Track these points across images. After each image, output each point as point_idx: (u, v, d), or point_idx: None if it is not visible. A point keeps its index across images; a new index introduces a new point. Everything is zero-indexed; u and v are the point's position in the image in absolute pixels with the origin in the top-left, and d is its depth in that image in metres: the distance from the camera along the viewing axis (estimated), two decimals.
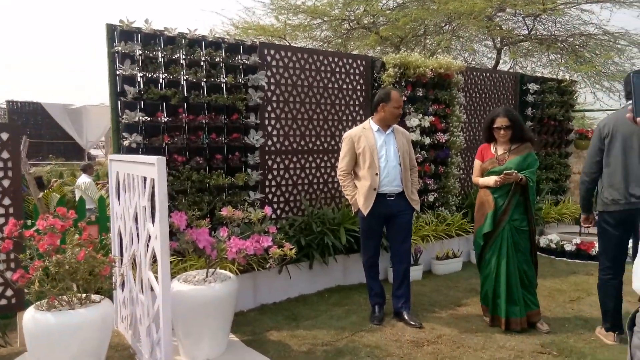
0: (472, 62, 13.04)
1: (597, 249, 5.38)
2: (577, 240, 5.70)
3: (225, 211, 3.68)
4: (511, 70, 12.19)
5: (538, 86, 6.85)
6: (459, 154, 6.05)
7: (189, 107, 4.36)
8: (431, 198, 5.70)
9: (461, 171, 6.10)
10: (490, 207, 3.72)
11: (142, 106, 4.15)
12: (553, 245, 5.83)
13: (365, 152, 3.73)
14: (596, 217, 3.59)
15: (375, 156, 3.72)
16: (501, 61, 12.53)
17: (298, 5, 11.71)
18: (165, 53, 4.20)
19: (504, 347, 3.37)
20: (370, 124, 3.85)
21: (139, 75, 4.12)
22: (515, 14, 11.68)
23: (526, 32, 11.96)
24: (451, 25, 12.03)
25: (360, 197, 3.74)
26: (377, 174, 3.71)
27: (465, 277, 5.13)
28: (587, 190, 3.59)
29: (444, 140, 5.77)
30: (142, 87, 4.15)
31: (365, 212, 3.72)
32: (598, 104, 11.06)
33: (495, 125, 3.73)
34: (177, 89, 4.26)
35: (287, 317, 3.99)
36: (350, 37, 12.90)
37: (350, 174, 3.83)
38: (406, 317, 3.81)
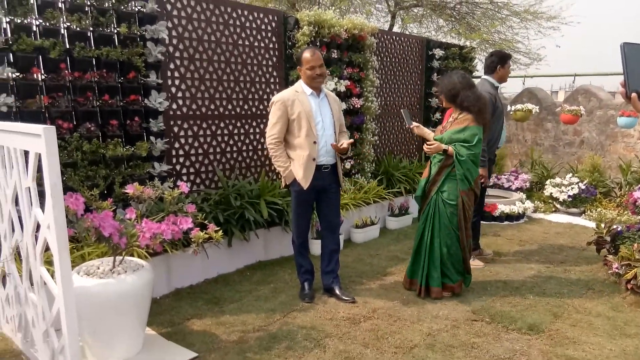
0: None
1: (499, 211, 5.70)
2: None
3: (132, 189, 3.12)
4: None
5: (443, 52, 6.94)
6: (373, 119, 5.93)
7: (73, 62, 3.60)
8: (348, 165, 5.54)
9: (375, 137, 6.01)
10: (425, 174, 3.69)
11: (12, 59, 3.32)
12: None
13: (300, 118, 3.34)
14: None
15: (312, 123, 3.35)
16: (395, 25, 12.71)
17: None
18: None
19: (438, 316, 3.35)
20: (303, 87, 3.45)
21: (4, 20, 3.27)
22: None
23: None
24: None
25: (298, 169, 3.37)
26: (315, 142, 3.37)
27: (384, 244, 5.09)
28: None
29: (359, 106, 5.59)
30: (10, 35, 3.30)
31: (305, 185, 3.37)
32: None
33: None
34: (57, 39, 3.47)
35: (208, 302, 3.58)
36: None
37: (283, 143, 3.43)
38: (338, 292, 3.62)
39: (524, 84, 8.24)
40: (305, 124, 3.35)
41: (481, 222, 5.90)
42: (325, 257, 3.70)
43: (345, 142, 3.45)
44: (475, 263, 4.32)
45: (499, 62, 4.29)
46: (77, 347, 2.36)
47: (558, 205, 6.35)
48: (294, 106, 3.35)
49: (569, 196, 6.14)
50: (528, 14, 11.39)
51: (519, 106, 6.43)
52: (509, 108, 6.74)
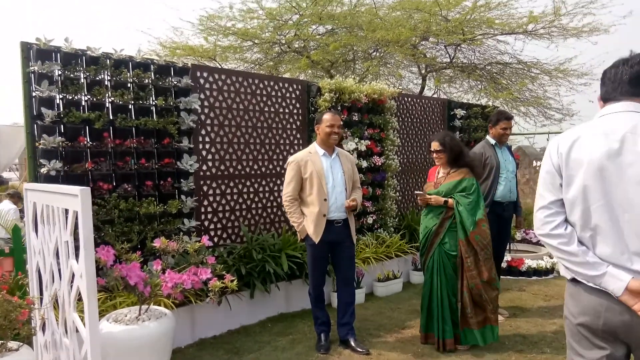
0: (400, 88, 13.54)
1: (527, 266, 5.64)
2: (508, 257, 5.93)
3: (159, 242, 3.42)
4: (435, 95, 12.80)
5: (464, 111, 7.19)
6: (394, 176, 6.14)
7: (115, 131, 4.07)
8: (370, 220, 5.72)
9: (397, 193, 6.19)
10: (423, 228, 3.83)
11: (62, 130, 3.82)
12: None
13: (312, 177, 3.62)
14: None
15: (323, 181, 3.63)
16: (426, 87, 13.14)
17: (228, 27, 11.59)
18: (88, 74, 3.91)
19: None
20: (316, 148, 3.76)
21: (58, 97, 3.80)
22: (437, 43, 12.32)
23: (448, 60, 12.66)
24: (379, 52, 12.48)
25: (309, 224, 3.62)
26: (325, 200, 3.62)
27: (406, 298, 5.13)
28: None
29: (380, 164, 5.84)
30: (62, 109, 3.82)
31: (316, 239, 3.60)
32: (516, 127, 11.86)
33: (431, 149, 3.86)
34: (102, 111, 3.97)
35: (228, 352, 3.75)
36: (282, 60, 12.94)
37: (297, 200, 3.70)
38: (353, 344, 3.71)
39: (548, 139, 8.29)
40: (317, 182, 3.61)
41: (508, 277, 5.84)
42: (340, 310, 3.82)
43: (349, 200, 3.68)
44: None
45: (490, 122, 4.55)
46: None
47: None
48: (307, 166, 3.64)
49: None
50: (558, 72, 11.53)
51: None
52: (534, 163, 6.80)
